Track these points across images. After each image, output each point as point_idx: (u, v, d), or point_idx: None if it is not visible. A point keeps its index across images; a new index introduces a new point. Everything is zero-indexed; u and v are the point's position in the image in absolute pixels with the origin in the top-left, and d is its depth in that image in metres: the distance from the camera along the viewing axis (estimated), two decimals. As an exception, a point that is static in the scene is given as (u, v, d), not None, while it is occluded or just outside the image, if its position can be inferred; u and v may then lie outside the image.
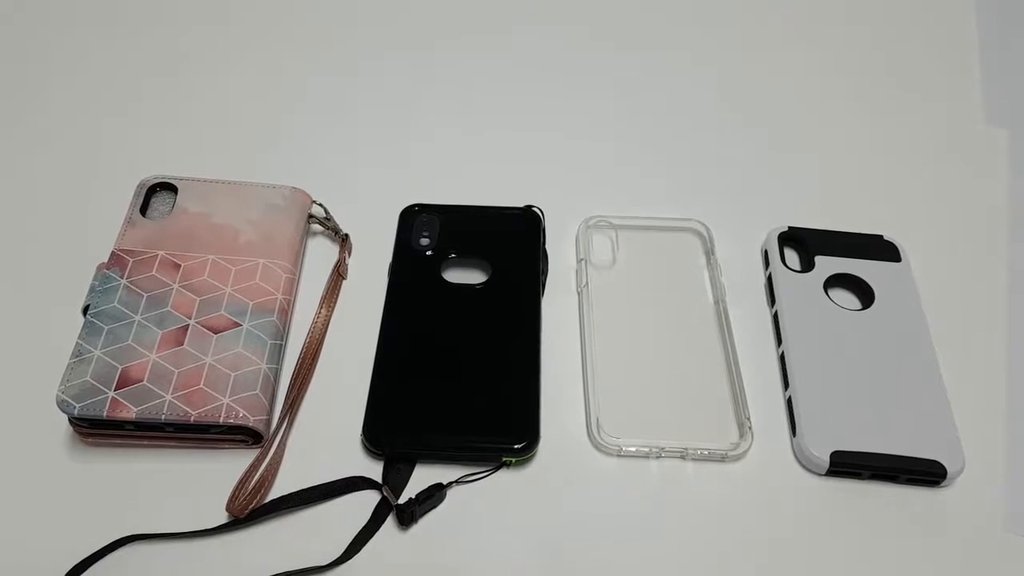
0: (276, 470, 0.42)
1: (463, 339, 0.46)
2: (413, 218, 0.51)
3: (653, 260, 0.51)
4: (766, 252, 0.51)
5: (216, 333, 0.44)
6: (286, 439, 0.43)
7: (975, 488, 0.43)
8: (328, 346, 0.47)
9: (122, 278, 0.46)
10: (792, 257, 0.51)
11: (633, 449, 0.43)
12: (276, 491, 0.42)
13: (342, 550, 0.40)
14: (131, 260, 0.46)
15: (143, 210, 0.49)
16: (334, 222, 0.52)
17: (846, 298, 0.50)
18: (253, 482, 0.41)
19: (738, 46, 0.65)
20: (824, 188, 0.56)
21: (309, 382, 0.45)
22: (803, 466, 0.43)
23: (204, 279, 0.46)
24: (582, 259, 0.50)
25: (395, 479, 0.42)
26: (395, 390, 0.44)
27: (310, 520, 0.41)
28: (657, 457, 0.43)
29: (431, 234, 0.50)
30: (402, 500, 0.41)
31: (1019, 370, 0.47)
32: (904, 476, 0.42)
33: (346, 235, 0.51)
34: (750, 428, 0.43)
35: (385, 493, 0.41)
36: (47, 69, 0.61)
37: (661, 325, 0.48)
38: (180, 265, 0.46)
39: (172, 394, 0.41)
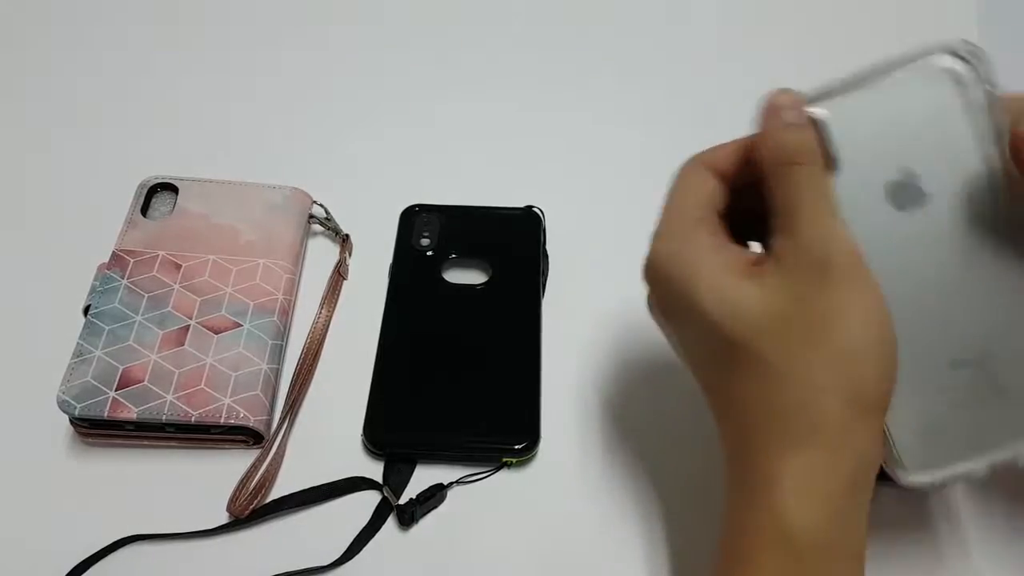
0: (277, 470, 0.42)
1: (463, 339, 0.46)
2: (413, 218, 0.51)
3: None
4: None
5: (217, 333, 0.44)
6: (287, 439, 0.43)
7: (976, 489, 0.43)
8: (329, 346, 0.47)
9: (123, 278, 0.46)
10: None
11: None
12: (277, 491, 0.42)
13: (343, 550, 0.40)
14: (132, 260, 0.46)
15: (144, 210, 0.49)
16: (334, 222, 0.52)
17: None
18: (254, 482, 0.41)
19: (738, 47, 0.65)
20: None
21: (310, 382, 0.46)
22: (803, 466, 0.43)
23: (205, 279, 0.46)
24: None
25: (396, 479, 0.42)
26: (396, 390, 0.44)
27: (311, 520, 0.41)
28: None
29: (431, 234, 0.50)
30: (403, 500, 0.41)
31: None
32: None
33: (346, 235, 0.51)
34: None
35: (386, 493, 0.41)
36: (47, 68, 0.61)
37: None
38: (181, 265, 0.46)
39: (173, 394, 0.41)
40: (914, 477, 0.33)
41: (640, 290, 0.52)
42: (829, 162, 0.31)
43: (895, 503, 0.42)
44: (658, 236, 0.34)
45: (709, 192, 0.33)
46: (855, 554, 0.30)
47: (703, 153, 0.34)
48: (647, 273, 0.34)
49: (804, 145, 0.31)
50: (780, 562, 0.29)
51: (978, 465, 0.32)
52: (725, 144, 0.34)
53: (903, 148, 0.31)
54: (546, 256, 0.50)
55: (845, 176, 0.31)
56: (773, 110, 0.31)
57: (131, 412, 0.41)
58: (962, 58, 0.30)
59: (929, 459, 0.33)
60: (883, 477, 0.43)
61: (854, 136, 0.31)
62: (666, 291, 0.33)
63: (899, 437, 0.32)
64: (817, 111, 0.31)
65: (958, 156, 0.31)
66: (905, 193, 0.31)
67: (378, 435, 0.43)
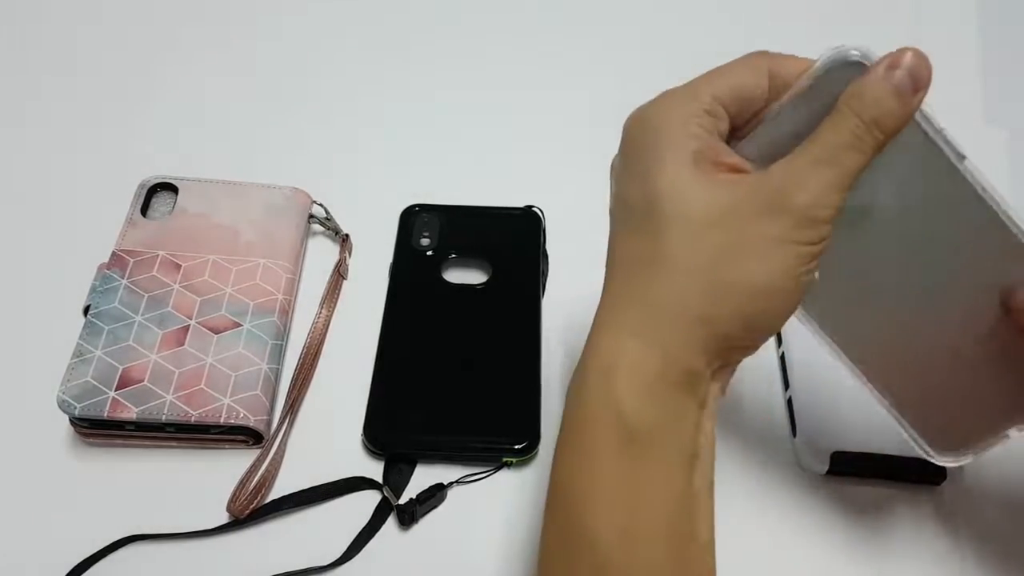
0: (277, 470, 0.42)
1: (463, 339, 0.46)
2: (413, 218, 0.51)
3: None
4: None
5: (217, 333, 0.44)
6: (287, 439, 0.43)
7: (975, 488, 0.43)
8: (329, 346, 0.47)
9: (123, 278, 0.46)
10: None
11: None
12: (277, 491, 0.42)
13: (343, 550, 0.40)
14: (132, 260, 0.46)
15: (144, 210, 0.49)
16: (334, 222, 0.52)
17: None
18: (254, 482, 0.41)
19: (740, 47, 0.65)
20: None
21: (310, 382, 0.45)
22: (803, 466, 0.43)
23: (205, 279, 0.46)
24: None
25: (396, 479, 0.42)
26: (396, 390, 0.44)
27: (311, 520, 0.41)
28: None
29: (431, 234, 0.50)
30: (403, 500, 0.41)
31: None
32: (904, 476, 0.42)
33: (346, 235, 0.51)
34: None
35: (386, 493, 0.41)
36: (47, 69, 0.61)
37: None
38: (181, 265, 0.46)
39: (173, 394, 0.41)
40: (947, 459, 0.35)
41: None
42: None
43: (898, 502, 0.42)
44: (663, 96, 0.32)
45: (729, 94, 0.31)
46: (686, 457, 0.30)
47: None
48: (630, 123, 0.33)
49: (892, 119, 0.29)
50: (613, 441, 0.29)
51: (999, 436, 0.34)
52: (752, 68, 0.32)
53: None
54: (546, 256, 0.50)
55: None
56: (895, 61, 0.29)
57: (131, 412, 0.41)
58: (852, 62, 0.29)
59: (956, 441, 0.34)
60: (884, 476, 0.43)
61: None
62: (637, 147, 0.32)
63: (924, 427, 0.34)
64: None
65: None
66: (851, 212, 0.30)
67: (378, 435, 0.43)
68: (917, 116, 0.29)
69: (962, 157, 0.30)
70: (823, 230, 0.29)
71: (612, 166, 0.34)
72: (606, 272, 0.33)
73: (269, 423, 0.43)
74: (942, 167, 0.30)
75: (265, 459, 0.42)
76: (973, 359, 0.33)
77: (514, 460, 0.43)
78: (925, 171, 0.30)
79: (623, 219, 0.33)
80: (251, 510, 0.40)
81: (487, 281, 0.49)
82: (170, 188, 0.50)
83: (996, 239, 0.31)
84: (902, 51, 0.29)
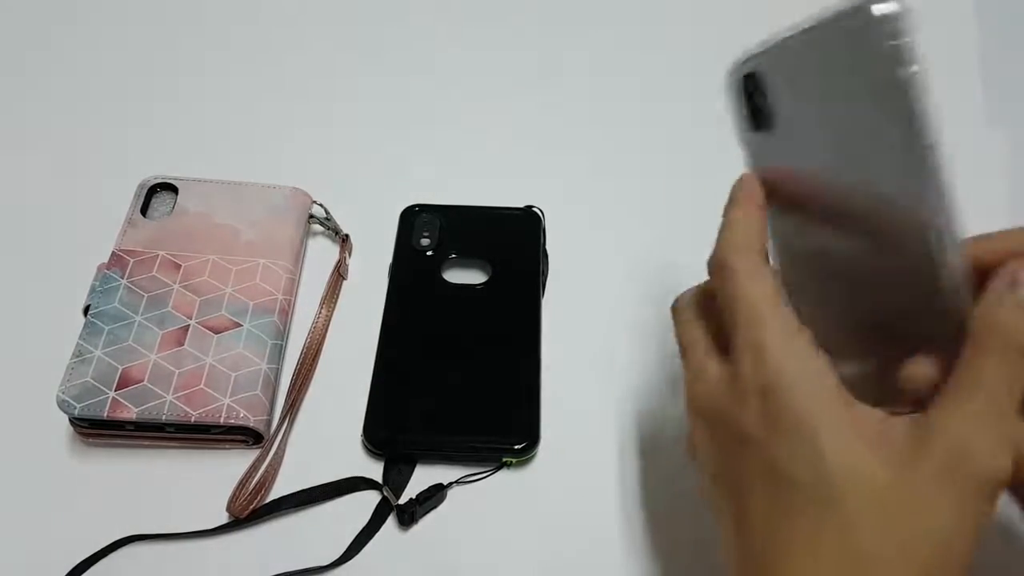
0: (277, 470, 0.42)
1: (463, 339, 0.46)
2: (413, 218, 0.51)
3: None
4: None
5: (217, 333, 0.44)
6: (287, 439, 0.43)
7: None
8: (328, 346, 0.47)
9: (123, 278, 0.46)
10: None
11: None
12: (277, 491, 0.42)
13: (343, 550, 0.40)
14: (132, 260, 0.46)
15: (143, 210, 0.49)
16: (334, 222, 0.52)
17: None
18: (254, 482, 0.41)
19: (738, 47, 0.65)
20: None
21: (310, 382, 0.46)
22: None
23: (204, 279, 0.46)
24: None
25: (395, 479, 0.42)
26: (395, 390, 0.44)
27: (310, 520, 0.41)
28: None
29: (431, 234, 0.50)
30: (402, 500, 0.41)
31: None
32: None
33: (346, 235, 0.51)
34: None
35: (385, 493, 0.41)
36: (47, 68, 0.61)
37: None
38: (180, 265, 0.46)
39: (172, 394, 0.41)
40: None
41: (642, 291, 0.52)
42: (763, 118, 0.32)
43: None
44: (786, 339, 0.30)
45: None
46: None
47: None
48: (757, 373, 0.30)
49: None
50: None
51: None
52: None
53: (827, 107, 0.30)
54: (546, 256, 0.50)
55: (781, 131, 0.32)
56: (1015, 279, 0.28)
57: (131, 412, 0.41)
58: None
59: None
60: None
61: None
62: (776, 408, 0.29)
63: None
64: (757, 61, 0.32)
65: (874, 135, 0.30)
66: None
67: (378, 435, 0.43)
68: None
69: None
70: (1004, 484, 0.27)
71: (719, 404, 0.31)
72: (736, 534, 0.30)
73: (269, 423, 0.43)
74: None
75: (265, 459, 0.42)
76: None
77: (514, 460, 0.43)
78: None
79: (778, 489, 0.29)
80: (251, 510, 0.40)
81: (487, 281, 0.49)
82: (170, 188, 0.50)
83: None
84: (1015, 270, 0.28)
